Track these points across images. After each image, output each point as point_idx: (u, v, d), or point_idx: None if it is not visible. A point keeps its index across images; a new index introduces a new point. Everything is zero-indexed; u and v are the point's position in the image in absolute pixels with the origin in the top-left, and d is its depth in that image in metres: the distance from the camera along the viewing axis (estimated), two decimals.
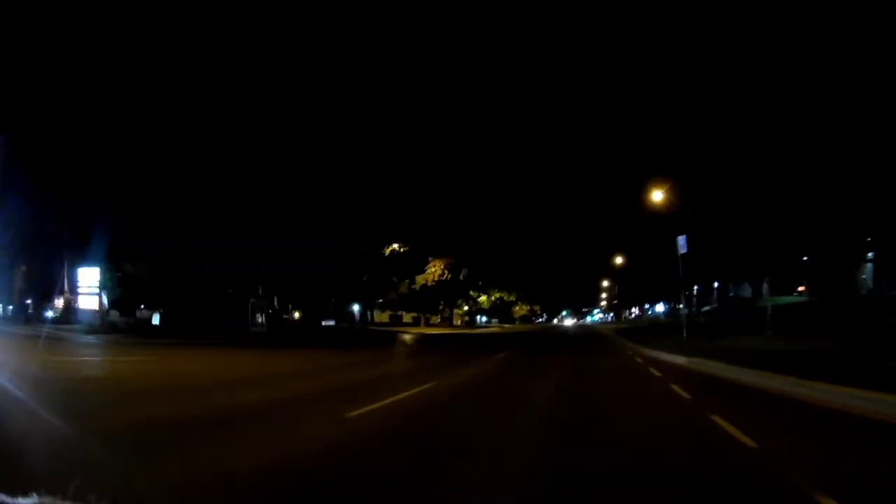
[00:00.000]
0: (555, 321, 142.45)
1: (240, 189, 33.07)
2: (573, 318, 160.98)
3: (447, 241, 49.82)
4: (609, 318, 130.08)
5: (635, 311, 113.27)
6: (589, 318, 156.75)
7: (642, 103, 49.28)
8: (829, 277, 44.26)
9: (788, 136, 37.10)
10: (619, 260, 71.09)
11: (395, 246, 43.18)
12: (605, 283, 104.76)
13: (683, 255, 19.55)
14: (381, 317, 69.70)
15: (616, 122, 56.44)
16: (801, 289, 59.18)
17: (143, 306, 40.08)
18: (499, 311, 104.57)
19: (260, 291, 35.47)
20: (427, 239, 47.11)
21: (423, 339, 32.23)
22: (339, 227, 37.46)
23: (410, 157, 43.33)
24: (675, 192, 36.18)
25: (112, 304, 36.29)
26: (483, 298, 78.48)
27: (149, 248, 33.08)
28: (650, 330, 33.51)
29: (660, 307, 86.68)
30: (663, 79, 46.02)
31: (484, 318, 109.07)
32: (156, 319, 37.05)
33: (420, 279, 50.06)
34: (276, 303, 42.22)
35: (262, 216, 33.37)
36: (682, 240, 19.50)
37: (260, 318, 36.11)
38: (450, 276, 51.78)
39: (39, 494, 2.30)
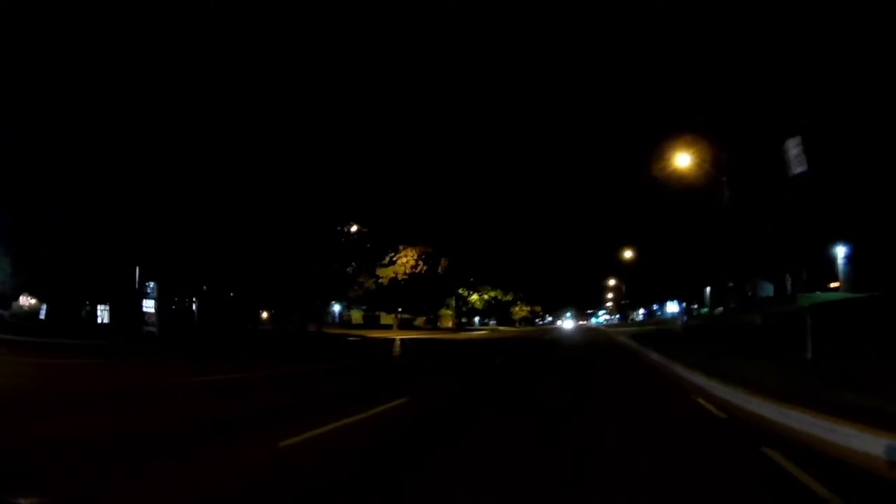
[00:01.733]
0: (558, 323, 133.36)
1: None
2: (576, 320, 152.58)
3: (421, 225, 41.73)
4: (615, 320, 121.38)
5: (644, 311, 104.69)
6: (594, 320, 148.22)
7: (651, 58, 41.08)
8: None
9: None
10: (627, 254, 63.05)
11: (354, 229, 34.94)
12: (612, 282, 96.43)
13: (799, 175, 10.48)
14: (358, 317, 61.62)
15: (622, 79, 48.22)
16: (833, 284, 50.06)
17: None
18: (495, 312, 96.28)
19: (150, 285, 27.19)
20: (395, 221, 39.06)
21: (348, 350, 23.94)
22: (273, 197, 29.26)
23: (370, 114, 35.40)
24: (709, 153, 28.02)
25: None
26: (475, 297, 69.85)
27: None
28: (679, 337, 25.34)
29: (672, 307, 78.14)
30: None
31: (479, 320, 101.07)
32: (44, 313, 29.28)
33: (387, 272, 41.77)
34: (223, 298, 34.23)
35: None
36: (794, 150, 10.46)
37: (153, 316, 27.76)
38: (425, 268, 43.46)
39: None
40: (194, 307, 33.93)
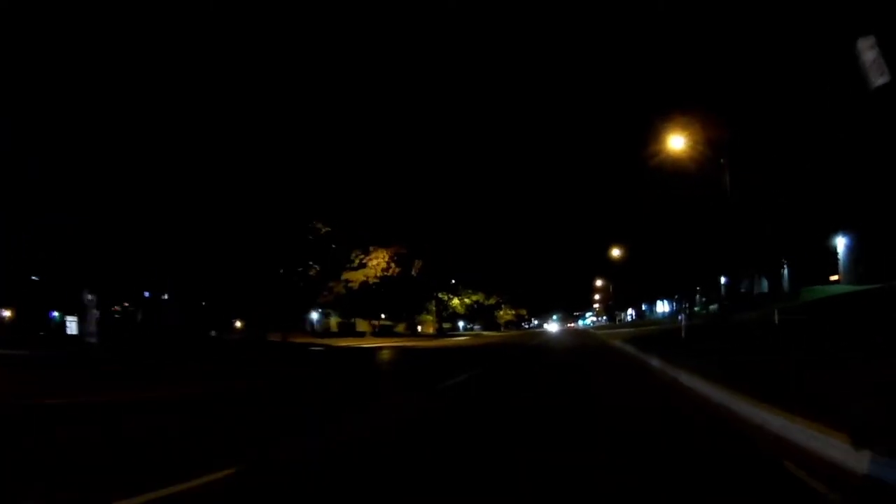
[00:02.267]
0: (545, 326, 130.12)
1: None
2: (563, 323, 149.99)
3: (393, 224, 37.87)
4: (602, 321, 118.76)
5: (632, 312, 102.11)
6: (581, 322, 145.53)
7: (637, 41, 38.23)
8: None
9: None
10: (616, 253, 60.20)
11: (319, 227, 31.14)
12: (599, 283, 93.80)
13: (882, 88, 6.94)
14: (333, 324, 57.74)
15: (607, 58, 45.40)
16: (833, 277, 47.27)
17: None
18: (479, 316, 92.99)
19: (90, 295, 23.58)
20: (364, 220, 35.21)
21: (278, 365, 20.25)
22: (225, 191, 25.60)
23: (336, 106, 31.71)
24: (705, 133, 24.98)
25: None
26: (455, 302, 66.22)
27: None
28: (688, 341, 21.86)
29: (662, 307, 75.46)
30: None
31: (463, 325, 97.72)
32: None
33: (357, 275, 37.88)
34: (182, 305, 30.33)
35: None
36: (869, 54, 6.96)
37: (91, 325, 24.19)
38: (398, 270, 39.67)
39: None
40: (140, 315, 30.22)
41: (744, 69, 30.44)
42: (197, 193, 25.44)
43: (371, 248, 38.13)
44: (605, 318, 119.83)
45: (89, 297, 24.28)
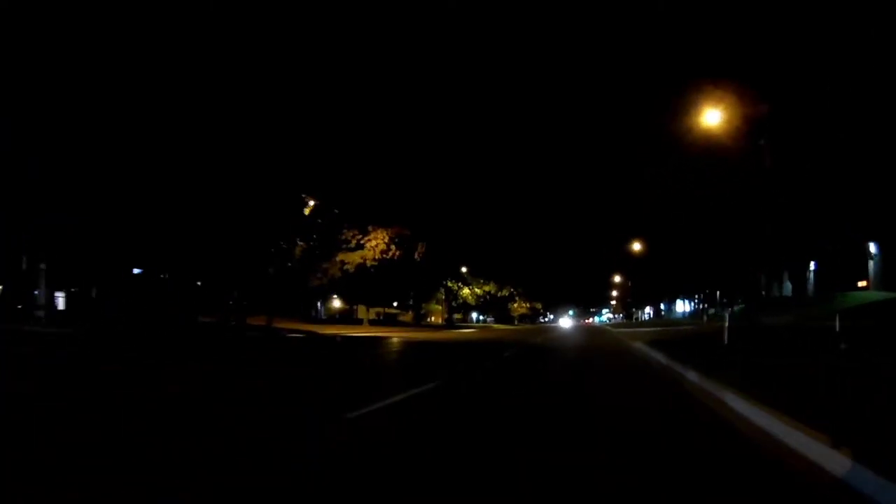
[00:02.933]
0: (559, 321, 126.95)
1: None
2: (579, 319, 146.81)
3: (395, 203, 35.36)
4: (618, 318, 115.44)
5: (649, 311, 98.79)
6: (597, 319, 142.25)
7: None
8: None
9: None
10: (636, 247, 57.19)
11: (306, 199, 28.83)
12: (617, 279, 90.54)
13: None
14: (362, 312, 55.63)
15: (631, 29, 42.31)
16: (862, 283, 43.98)
17: None
18: (493, 308, 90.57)
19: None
20: (364, 197, 32.81)
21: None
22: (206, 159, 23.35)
23: (331, 71, 29.36)
24: (741, 109, 22.17)
25: None
26: (466, 292, 63.69)
27: None
28: (743, 351, 19.06)
29: (681, 306, 72.28)
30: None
31: (476, 316, 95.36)
32: None
33: (353, 257, 35.41)
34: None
35: None
36: None
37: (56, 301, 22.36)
38: (398, 253, 37.08)
39: None
40: (95, 292, 28.18)
41: (780, 45, 27.47)
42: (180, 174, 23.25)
43: (370, 229, 35.77)
44: (620, 315, 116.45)
45: (42, 266, 22.39)
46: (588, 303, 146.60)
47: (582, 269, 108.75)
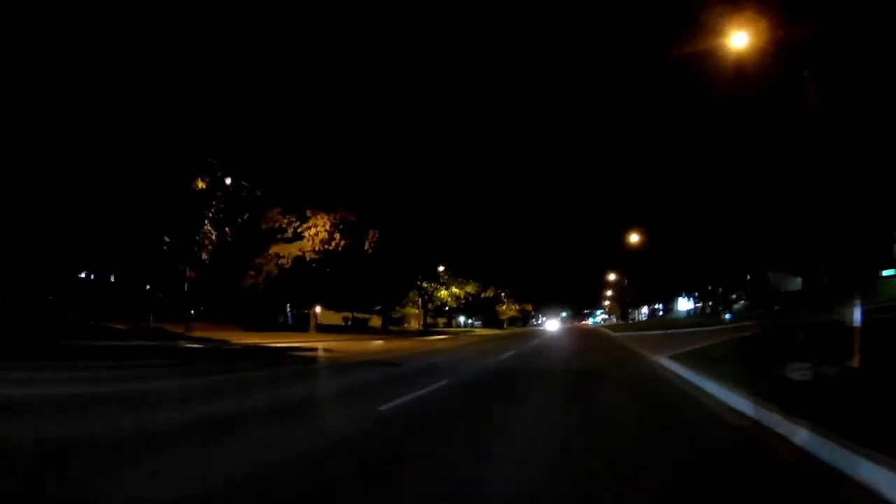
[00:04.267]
0: (545, 324, 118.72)
1: None
2: (570, 321, 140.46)
3: (339, 185, 28.19)
4: (613, 320, 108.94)
5: (646, 311, 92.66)
6: (591, 320, 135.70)
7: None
8: None
9: None
10: (634, 238, 50.77)
11: (229, 182, 22.07)
12: (612, 277, 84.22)
13: None
14: (329, 317, 48.59)
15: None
16: (888, 272, 37.57)
17: None
18: (479, 310, 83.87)
19: None
20: (296, 175, 25.82)
21: None
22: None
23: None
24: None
25: None
26: (444, 293, 56.36)
27: None
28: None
29: (684, 304, 65.85)
30: None
31: (464, 320, 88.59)
32: None
33: (290, 248, 28.23)
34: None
35: None
36: None
37: None
38: (343, 243, 29.83)
39: None
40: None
41: None
42: None
43: (309, 214, 28.82)
44: (614, 317, 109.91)
45: None
46: (581, 304, 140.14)
47: (574, 267, 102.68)
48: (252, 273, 28.13)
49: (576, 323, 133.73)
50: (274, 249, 28.04)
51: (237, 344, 20.68)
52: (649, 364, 12.96)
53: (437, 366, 14.02)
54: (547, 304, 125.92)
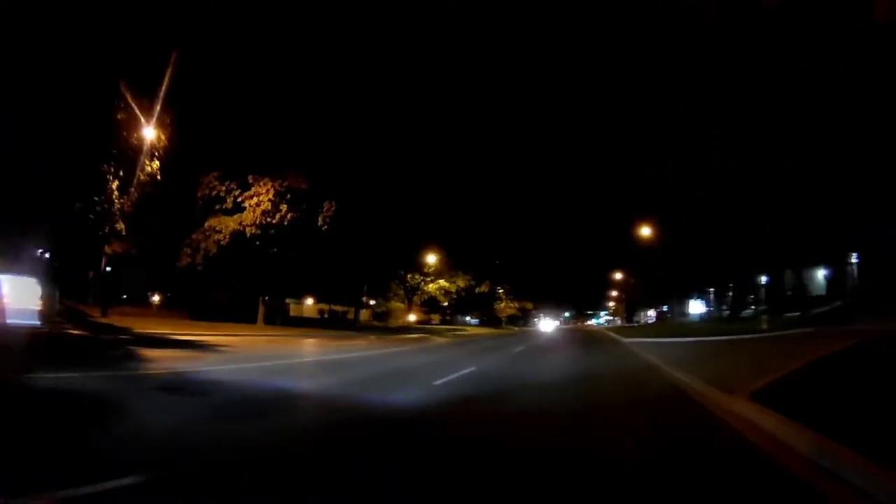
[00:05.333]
0: (539, 324, 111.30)
1: None
2: (573, 321, 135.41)
3: (287, 142, 22.82)
4: (617, 321, 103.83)
5: (651, 313, 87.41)
6: (595, 321, 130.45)
7: None
8: None
9: None
10: (644, 231, 45.79)
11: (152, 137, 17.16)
12: (618, 276, 79.20)
13: None
14: (305, 309, 43.77)
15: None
16: None
17: None
18: (476, 306, 78.99)
19: None
20: (231, 133, 20.77)
21: None
22: None
23: None
24: None
25: None
26: (432, 286, 50.80)
27: None
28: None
29: (696, 307, 60.77)
30: None
31: (463, 317, 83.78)
32: None
33: (229, 222, 23.08)
34: None
35: None
36: None
37: None
38: (292, 215, 24.34)
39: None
40: None
41: None
42: None
43: (251, 180, 23.72)
44: (618, 319, 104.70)
45: None
46: (584, 304, 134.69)
47: (576, 266, 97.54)
48: (188, 251, 23.33)
49: (578, 323, 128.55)
50: (210, 223, 23.18)
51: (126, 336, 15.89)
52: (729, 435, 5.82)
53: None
54: (548, 302, 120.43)
